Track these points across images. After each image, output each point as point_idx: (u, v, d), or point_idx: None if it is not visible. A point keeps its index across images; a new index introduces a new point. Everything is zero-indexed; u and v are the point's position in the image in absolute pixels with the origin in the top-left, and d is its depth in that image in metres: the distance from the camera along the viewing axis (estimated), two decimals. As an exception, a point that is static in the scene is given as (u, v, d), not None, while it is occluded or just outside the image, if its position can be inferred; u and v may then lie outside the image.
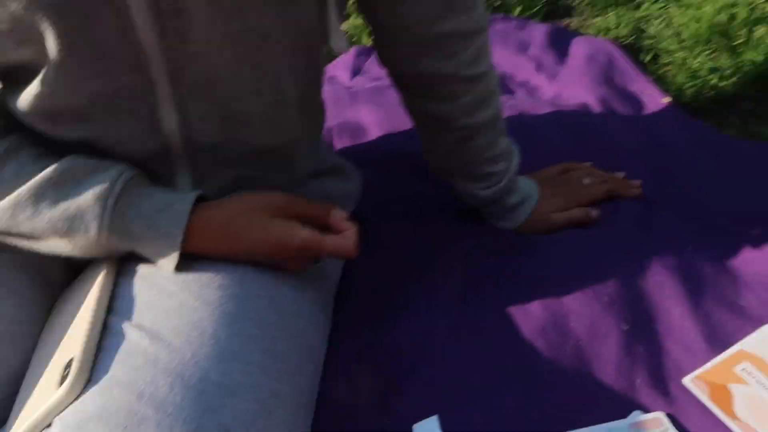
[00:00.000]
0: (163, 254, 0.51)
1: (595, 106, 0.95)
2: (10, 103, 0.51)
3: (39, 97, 0.48)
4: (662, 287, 0.61)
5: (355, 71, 1.16)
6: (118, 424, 0.39)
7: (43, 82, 0.47)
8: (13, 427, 0.44)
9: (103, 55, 0.46)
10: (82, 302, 0.50)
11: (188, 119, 0.52)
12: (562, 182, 0.76)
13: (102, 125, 0.51)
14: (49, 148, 0.52)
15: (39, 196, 0.49)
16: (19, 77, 0.49)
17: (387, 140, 0.87)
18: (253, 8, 0.46)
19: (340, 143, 0.90)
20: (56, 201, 0.49)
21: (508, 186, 0.71)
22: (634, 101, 0.96)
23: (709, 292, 0.61)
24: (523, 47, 1.15)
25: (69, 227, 0.49)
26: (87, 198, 0.49)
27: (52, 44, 0.44)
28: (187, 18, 0.45)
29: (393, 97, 0.95)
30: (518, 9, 1.36)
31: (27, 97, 0.49)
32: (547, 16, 1.36)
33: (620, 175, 0.79)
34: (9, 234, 0.51)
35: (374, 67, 1.15)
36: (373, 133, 0.91)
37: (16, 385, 0.50)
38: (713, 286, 0.61)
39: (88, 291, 0.51)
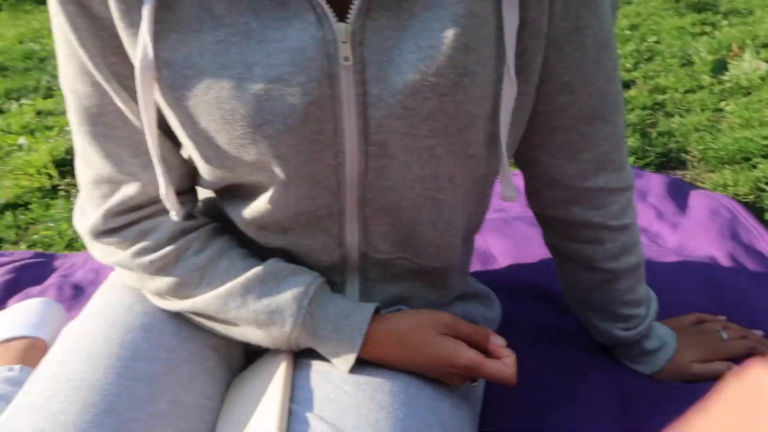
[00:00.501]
0: (341, 355, 0.55)
1: (723, 260, 0.96)
2: (230, 212, 0.60)
3: (258, 213, 0.57)
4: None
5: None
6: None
7: (266, 201, 0.56)
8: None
9: (315, 183, 0.55)
10: (264, 387, 0.55)
11: (368, 238, 0.59)
12: (700, 333, 0.77)
13: (300, 237, 0.59)
14: (252, 252, 0.61)
15: (248, 290, 0.56)
16: (243, 193, 0.58)
17: (517, 269, 0.91)
18: (444, 157, 0.54)
19: (471, 268, 0.95)
20: (261, 296, 0.56)
21: (646, 330, 0.73)
22: (762, 258, 0.97)
23: None
24: (641, 195, 1.19)
25: (268, 320, 0.56)
26: (287, 297, 0.56)
27: (282, 173, 0.53)
28: (388, 161, 0.54)
29: (520, 228, 1.00)
30: (632, 158, 1.42)
31: (249, 210, 0.58)
32: (660, 166, 1.41)
33: (758, 333, 0.79)
34: (214, 319, 0.58)
35: (495, 199, 1.23)
36: (502, 261, 0.96)
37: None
38: None
39: (269, 377, 0.56)
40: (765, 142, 1.38)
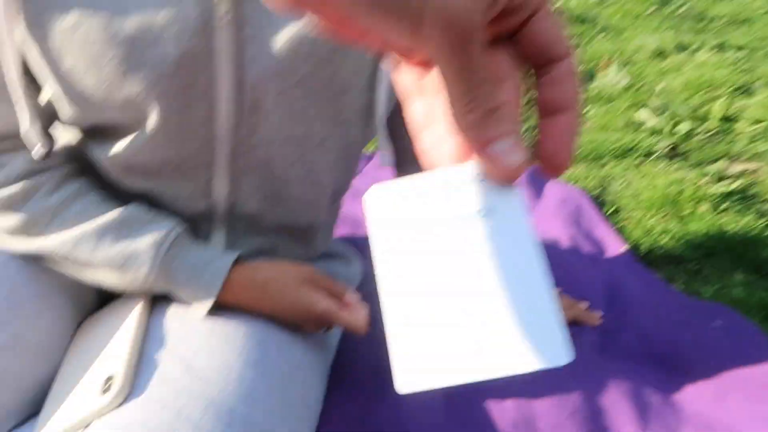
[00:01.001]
0: (199, 301, 0.56)
1: (564, 242, 1.08)
2: (92, 152, 0.58)
3: (123, 154, 0.56)
4: (616, 407, 0.69)
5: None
6: (159, 435, 0.43)
7: (131, 143, 0.55)
8: (48, 424, 0.47)
9: (186, 132, 0.55)
10: (117, 326, 0.55)
11: (236, 191, 0.60)
12: (536, 302, 0.86)
13: (164, 183, 0.58)
14: (111, 195, 0.59)
15: (102, 234, 0.55)
16: (108, 134, 0.57)
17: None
18: (317, 120, 0.57)
19: (340, 231, 0.99)
20: (116, 240, 0.55)
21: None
22: (597, 244, 1.10)
23: (655, 419, 0.69)
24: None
25: (123, 264, 0.55)
26: (144, 242, 0.55)
27: (151, 119, 0.53)
28: (261, 117, 0.55)
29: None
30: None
31: (113, 150, 0.56)
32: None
33: (584, 305, 0.90)
34: (66, 262, 0.56)
35: (373, 170, 1.27)
36: (372, 228, 1.00)
37: (42, 388, 0.53)
38: (659, 414, 0.70)
39: (124, 317, 0.55)
40: (615, 145, 1.55)
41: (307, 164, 0.60)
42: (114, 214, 0.56)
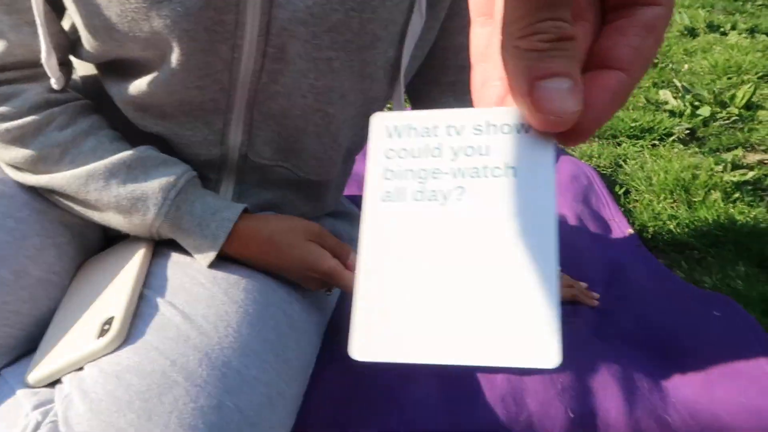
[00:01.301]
0: (203, 251, 0.56)
1: (571, 220, 1.07)
2: (110, 89, 0.57)
3: (141, 93, 0.55)
4: (605, 388, 0.70)
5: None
6: (153, 382, 0.44)
7: (150, 82, 0.54)
8: (43, 362, 0.48)
9: (207, 74, 0.53)
10: (118, 270, 0.55)
11: (252, 141, 0.59)
12: (536, 278, 0.86)
13: (179, 126, 0.57)
14: (125, 135, 0.58)
15: (112, 174, 0.55)
16: (128, 70, 0.55)
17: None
18: (340, 72, 0.55)
19: (348, 190, 0.98)
20: (126, 181, 0.55)
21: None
22: (604, 224, 1.09)
23: (641, 402, 0.70)
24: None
25: (131, 207, 0.55)
26: (153, 186, 0.55)
27: (173, 58, 0.51)
28: (285, 65, 0.53)
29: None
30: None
31: (131, 89, 0.55)
32: (540, 129, 1.51)
33: (583, 284, 0.90)
34: (73, 199, 0.56)
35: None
36: (379, 189, 0.99)
37: (40, 327, 0.53)
38: (646, 399, 0.71)
39: (126, 262, 0.56)
40: (633, 124, 1.52)
41: (326, 118, 0.58)
42: (126, 154, 0.56)
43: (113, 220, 0.57)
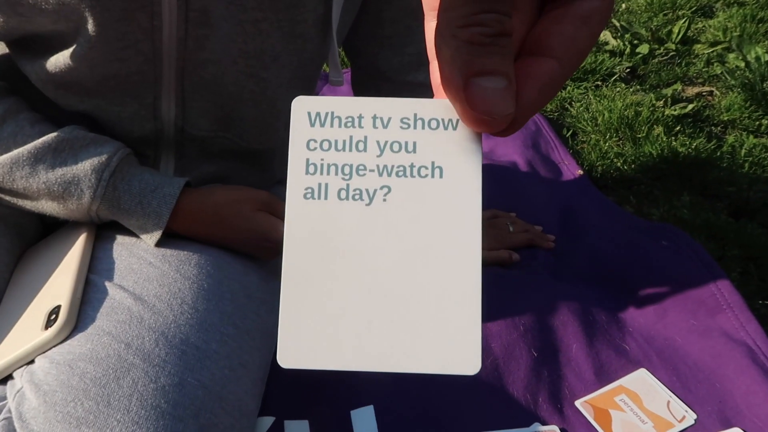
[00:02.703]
0: (147, 230, 0.54)
1: (522, 166, 1.08)
2: (25, 67, 0.54)
3: (60, 69, 0.51)
4: (566, 326, 0.72)
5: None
6: (108, 367, 0.43)
7: (69, 57, 0.50)
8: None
9: (128, 45, 0.51)
10: (60, 258, 0.52)
11: (186, 113, 0.57)
12: (492, 226, 0.87)
13: (107, 102, 0.54)
14: (46, 116, 0.55)
15: (38, 159, 0.51)
16: (41, 47, 0.52)
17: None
18: (270, 34, 0.53)
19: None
20: (54, 166, 0.52)
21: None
22: (554, 168, 1.11)
23: (600, 335, 0.73)
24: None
25: (64, 192, 0.52)
26: (84, 167, 0.52)
27: (89, 28, 0.48)
28: (210, 30, 0.51)
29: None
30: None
31: (48, 65, 0.52)
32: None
33: (538, 228, 0.92)
34: (1, 189, 0.53)
35: (329, 92, 1.23)
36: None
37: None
38: (605, 331, 0.73)
39: (67, 248, 0.53)
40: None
41: (261, 83, 0.56)
42: (50, 136, 0.52)
43: (47, 207, 0.54)
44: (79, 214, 0.54)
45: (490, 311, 0.71)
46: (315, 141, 0.19)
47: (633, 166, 1.16)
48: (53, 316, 0.45)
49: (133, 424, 0.41)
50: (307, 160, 0.19)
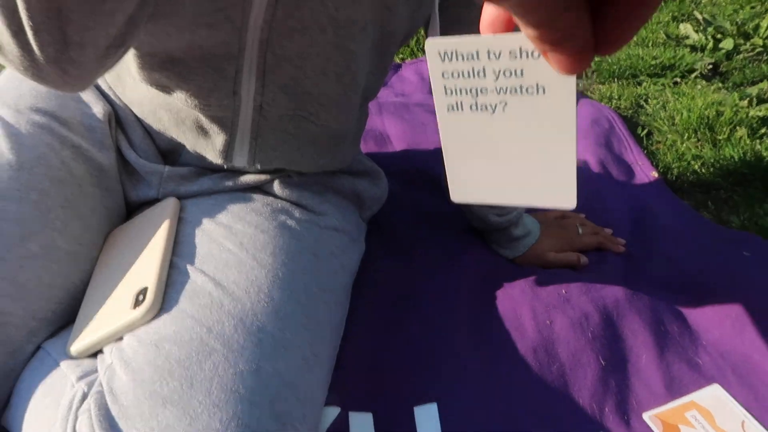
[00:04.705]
0: None
1: (594, 166, 1.05)
2: None
3: (147, 34, 0.50)
4: (636, 335, 0.70)
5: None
6: (191, 349, 0.44)
7: (156, 15, 0.47)
8: (83, 334, 0.48)
9: (219, 8, 0.48)
10: (146, 240, 0.55)
11: (265, 88, 0.55)
12: (560, 227, 0.85)
13: (190, 72, 0.53)
14: (131, 89, 0.56)
15: None
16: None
17: (409, 154, 0.94)
18: (363, 2, 0.51)
19: (365, 147, 0.97)
20: None
21: (516, 218, 0.79)
22: (628, 169, 1.07)
23: (672, 346, 0.70)
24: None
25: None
26: None
27: None
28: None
29: (418, 114, 1.02)
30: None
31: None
32: (557, 72, 1.47)
33: (609, 231, 0.89)
34: None
35: (398, 83, 1.23)
36: (397, 144, 0.98)
37: (74, 299, 0.54)
38: (677, 342, 0.71)
39: (153, 231, 0.55)
40: (653, 62, 1.47)
41: (347, 54, 0.54)
42: None
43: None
44: None
45: (558, 315, 0.70)
46: (446, 72, 0.25)
47: (712, 169, 1.10)
48: (141, 296, 0.48)
49: (214, 407, 0.42)
50: (444, 86, 0.25)
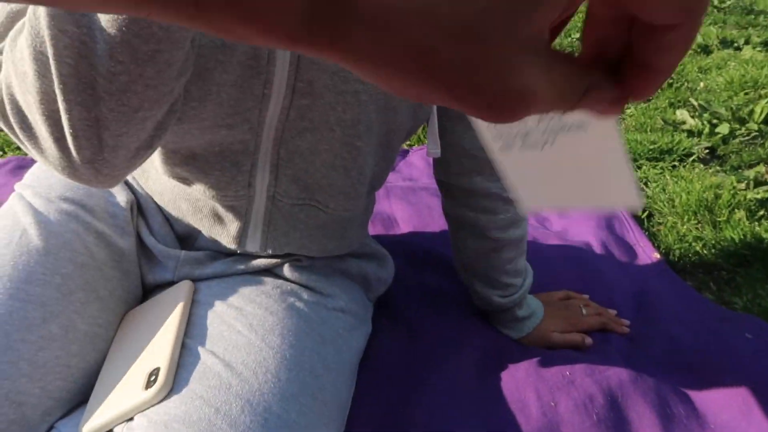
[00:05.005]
0: None
1: (596, 247, 1.07)
2: None
3: (173, 133, 0.54)
4: (642, 417, 0.70)
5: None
6: (199, 430, 0.46)
7: (181, 118, 0.52)
8: (95, 415, 0.50)
9: (238, 111, 0.53)
10: (161, 321, 0.57)
11: (278, 180, 0.60)
12: (565, 307, 0.87)
13: (209, 167, 0.58)
14: (153, 182, 0.62)
15: None
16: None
17: (416, 236, 0.98)
18: (367, 104, 0.56)
19: (373, 230, 1.00)
20: None
21: (520, 299, 0.81)
22: (630, 250, 1.09)
23: (680, 430, 0.70)
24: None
25: None
26: None
27: (201, 91, 0.50)
28: (312, 100, 0.54)
29: (424, 198, 1.06)
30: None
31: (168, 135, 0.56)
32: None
33: (613, 312, 0.90)
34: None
35: (406, 168, 1.28)
36: (404, 226, 1.02)
37: (89, 378, 0.56)
38: (684, 426, 0.70)
39: (167, 312, 0.58)
40: (651, 147, 1.52)
41: (353, 151, 0.58)
42: None
43: None
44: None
45: (562, 396, 0.70)
46: (491, 124, 0.27)
47: (713, 250, 1.12)
48: (153, 377, 0.50)
49: (219, 488, 0.43)
50: (492, 135, 0.27)
